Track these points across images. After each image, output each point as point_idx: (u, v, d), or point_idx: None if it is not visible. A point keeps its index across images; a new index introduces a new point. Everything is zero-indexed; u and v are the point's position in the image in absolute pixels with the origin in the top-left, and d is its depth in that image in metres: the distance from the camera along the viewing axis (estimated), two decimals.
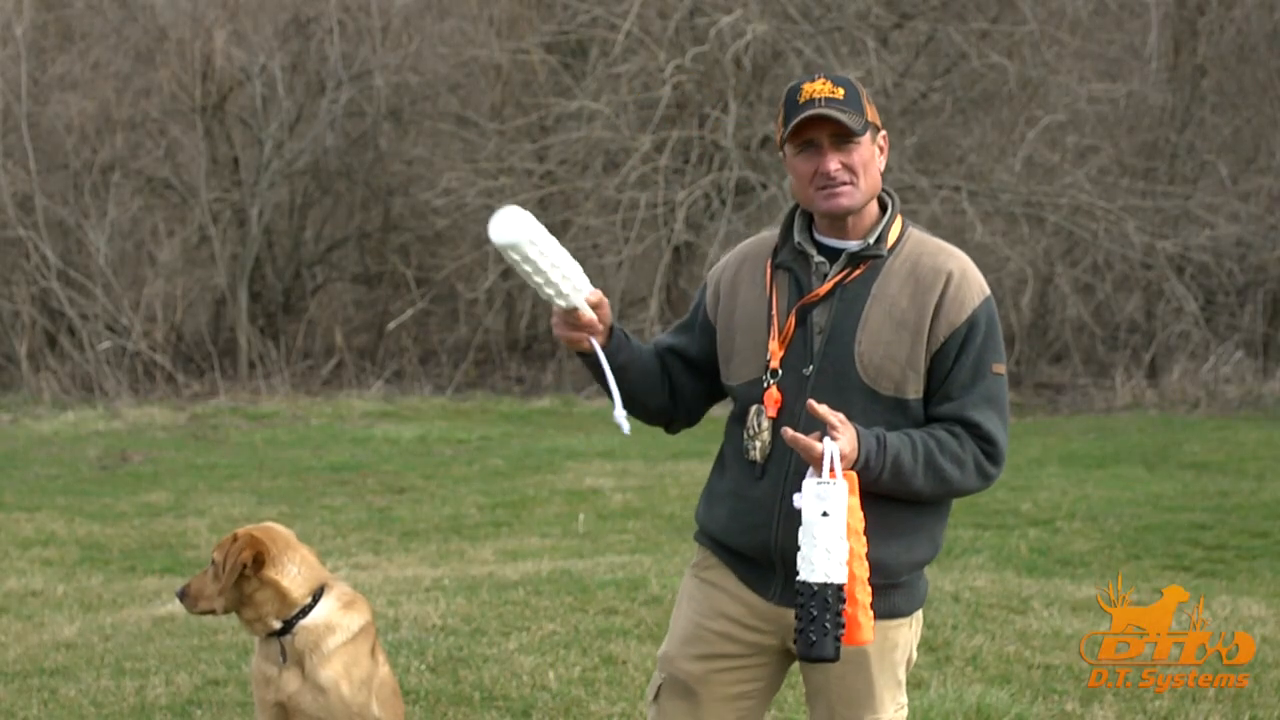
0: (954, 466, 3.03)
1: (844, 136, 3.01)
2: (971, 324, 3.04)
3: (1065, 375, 17.89)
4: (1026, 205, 17.21)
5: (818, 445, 2.87)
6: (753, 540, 3.10)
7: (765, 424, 3.06)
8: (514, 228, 2.92)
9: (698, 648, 3.18)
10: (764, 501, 3.08)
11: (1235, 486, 10.29)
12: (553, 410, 16.14)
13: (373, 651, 3.77)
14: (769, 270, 3.14)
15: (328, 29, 18.31)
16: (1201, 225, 17.48)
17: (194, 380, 17.51)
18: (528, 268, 2.96)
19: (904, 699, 3.22)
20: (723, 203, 16.89)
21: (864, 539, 2.88)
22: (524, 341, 19.04)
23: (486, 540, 9.09)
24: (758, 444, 3.07)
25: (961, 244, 18.27)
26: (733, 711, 3.18)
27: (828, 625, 2.82)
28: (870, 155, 3.06)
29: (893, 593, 3.08)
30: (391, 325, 18.21)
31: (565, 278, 2.99)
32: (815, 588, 2.82)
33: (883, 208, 3.14)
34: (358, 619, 3.72)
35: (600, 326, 3.08)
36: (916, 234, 3.14)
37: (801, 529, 2.85)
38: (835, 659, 2.85)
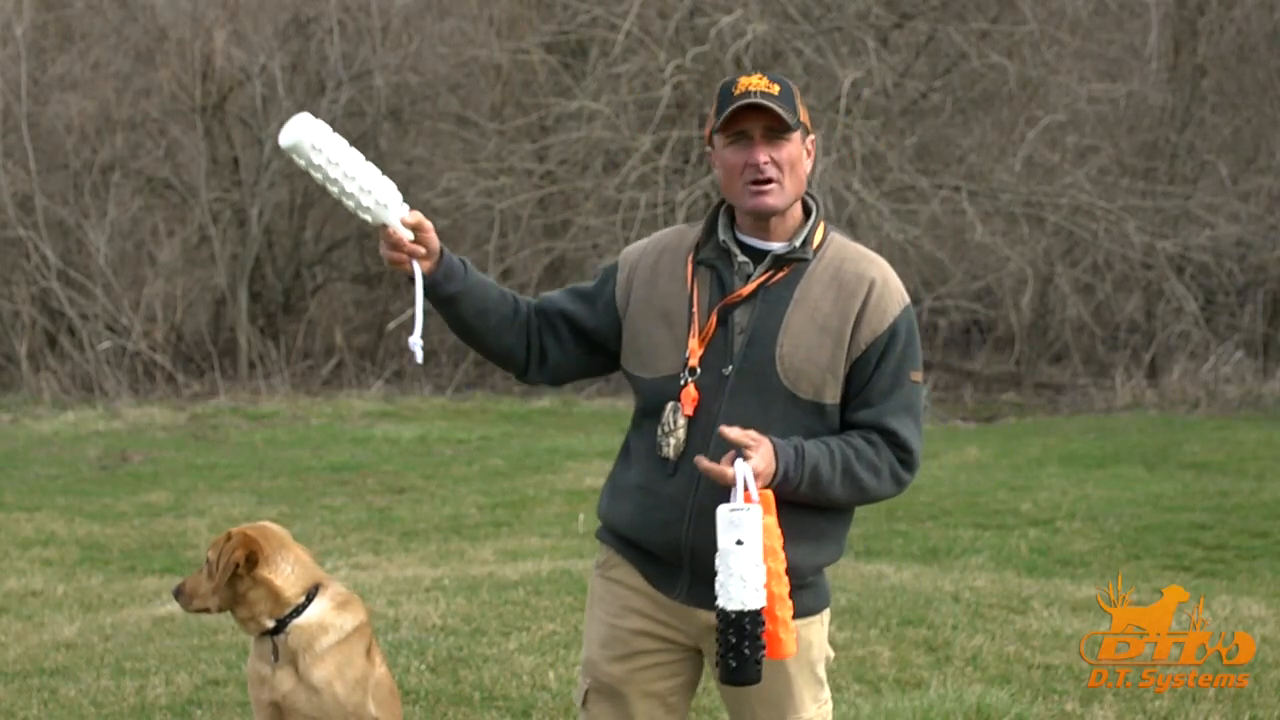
0: (870, 475, 3.06)
1: (776, 130, 3.02)
2: (893, 332, 3.05)
3: (1065, 375, 17.90)
4: (1026, 205, 17.21)
5: (729, 471, 2.88)
6: (662, 538, 3.09)
7: (681, 421, 3.05)
8: (297, 131, 2.89)
9: (616, 649, 3.18)
10: (675, 499, 3.06)
11: (1235, 486, 10.29)
12: (553, 410, 16.14)
13: (368, 652, 3.77)
14: (690, 265, 3.13)
15: (328, 29, 18.32)
16: (1201, 225, 17.48)
17: (194, 380, 17.52)
18: (318, 175, 2.92)
19: (826, 694, 3.23)
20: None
21: (782, 555, 2.89)
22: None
23: (486, 540, 9.09)
24: (672, 441, 3.06)
25: (961, 244, 18.40)
26: (660, 706, 3.19)
27: (746, 651, 2.85)
28: (799, 155, 3.06)
29: (802, 593, 3.09)
30: (391, 325, 18.20)
31: (365, 190, 2.94)
32: (733, 615, 2.84)
33: (806, 211, 3.14)
34: (351, 619, 3.72)
35: (421, 250, 3.02)
36: (838, 239, 3.15)
37: (718, 556, 2.86)
38: (757, 682, 2.88)
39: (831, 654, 3.28)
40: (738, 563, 2.83)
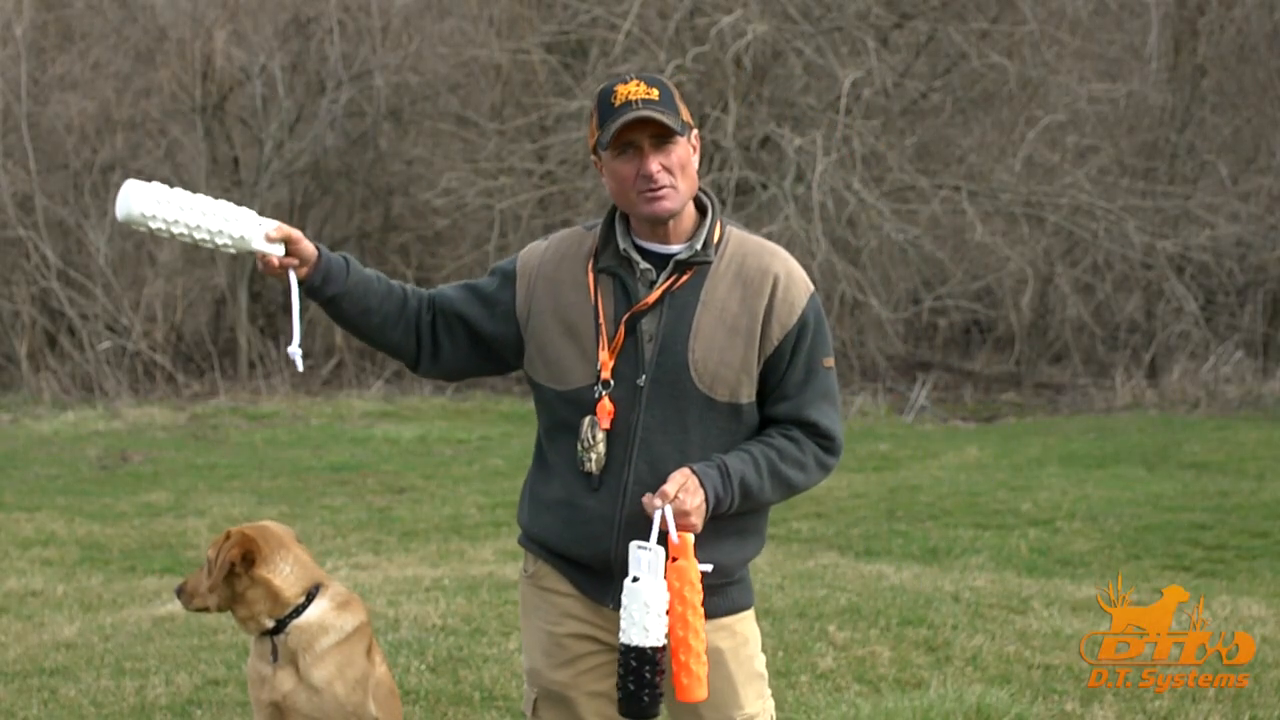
0: (797, 471, 3.06)
1: (663, 137, 2.99)
2: (802, 324, 3.05)
3: (1065, 375, 17.90)
4: (1026, 205, 17.21)
5: (654, 504, 2.90)
6: (592, 550, 3.08)
7: (600, 436, 3.03)
8: (128, 203, 2.89)
9: (558, 656, 3.18)
10: (601, 513, 3.05)
11: (1235, 486, 10.29)
12: None
13: (369, 652, 3.77)
14: (591, 275, 3.09)
15: (328, 29, 18.32)
16: (1201, 225, 17.48)
17: (194, 380, 17.52)
18: (165, 234, 2.93)
19: (768, 690, 3.23)
20: (723, 202, 16.88)
21: (698, 599, 2.89)
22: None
23: (486, 540, 9.09)
24: (593, 456, 3.04)
25: (961, 244, 18.38)
26: (608, 703, 3.18)
27: (632, 687, 2.89)
28: (688, 155, 3.03)
29: (731, 589, 3.10)
30: None
31: (217, 231, 2.94)
32: (622, 648, 2.89)
33: (701, 209, 3.12)
34: (352, 619, 3.72)
35: (295, 262, 3.02)
36: (736, 233, 3.12)
37: (624, 590, 2.89)
38: (654, 716, 2.91)
39: (764, 655, 3.27)
40: (630, 598, 2.87)
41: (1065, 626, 6.11)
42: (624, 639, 2.88)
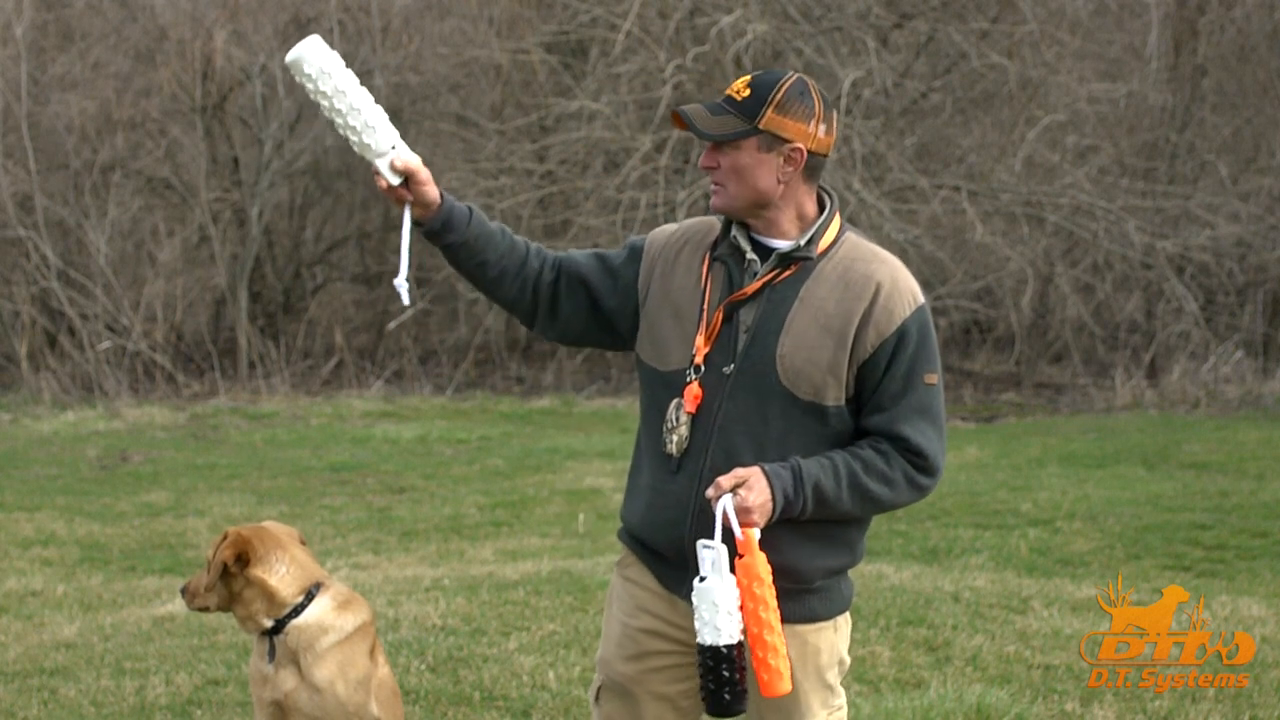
0: (882, 485, 3.01)
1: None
2: (902, 334, 3.01)
3: (1065, 375, 17.90)
4: (1026, 205, 17.21)
5: (714, 503, 2.90)
6: (668, 536, 3.09)
7: (684, 419, 3.04)
8: (308, 51, 2.94)
9: (628, 649, 3.18)
10: (679, 497, 3.06)
11: (1235, 486, 10.29)
12: (553, 410, 16.14)
13: (371, 652, 3.77)
14: (706, 262, 3.12)
15: (328, 29, 18.30)
16: (1201, 225, 17.48)
17: (194, 380, 17.51)
18: (323, 102, 2.97)
19: (839, 700, 3.20)
20: None
21: (769, 593, 2.88)
22: (524, 341, 19.04)
23: (486, 540, 9.09)
24: (675, 438, 3.05)
25: (961, 244, 18.39)
26: (671, 709, 3.18)
27: (712, 685, 2.89)
28: (749, 163, 3.01)
29: (808, 597, 3.07)
30: (391, 325, 18.20)
31: (369, 126, 2.99)
32: (699, 648, 2.89)
33: (821, 207, 3.12)
34: (352, 619, 3.72)
35: (408, 196, 3.05)
36: (852, 238, 3.11)
37: (694, 590, 2.90)
38: (732, 715, 2.92)
39: (847, 660, 3.25)
40: (699, 598, 2.87)
41: (1065, 626, 6.11)
42: (699, 639, 2.88)
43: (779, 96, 3.02)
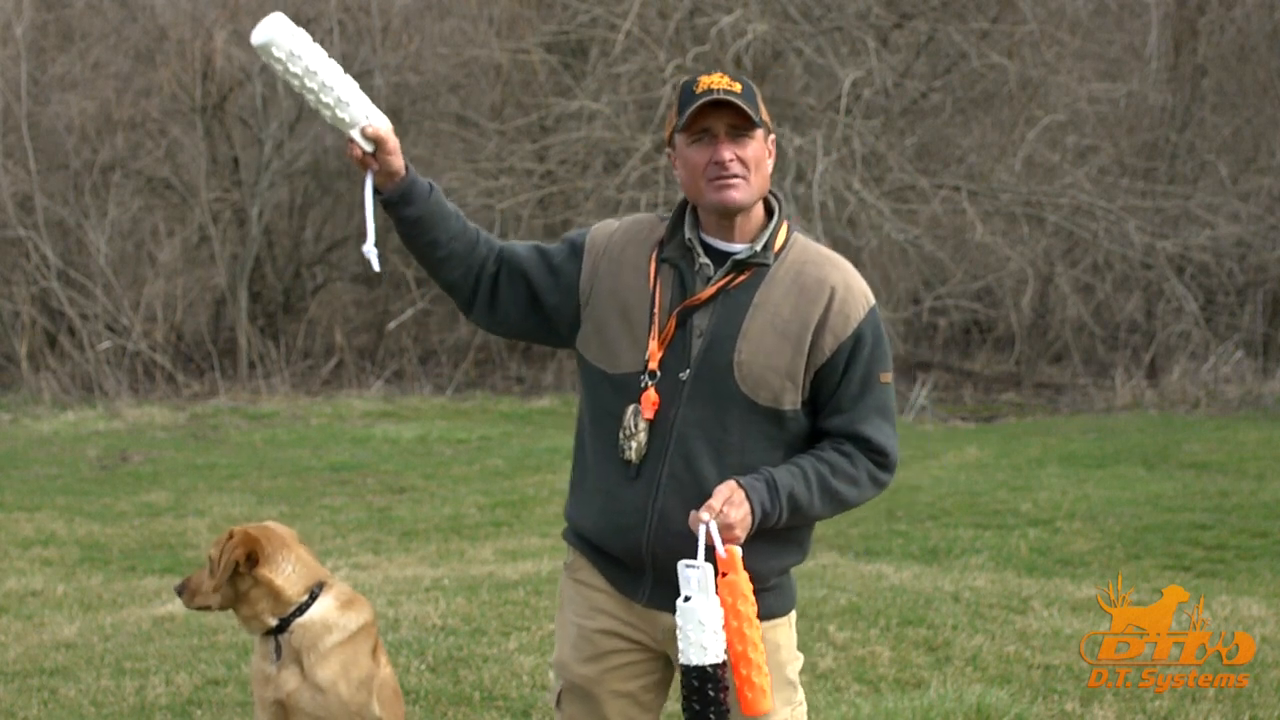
0: (849, 486, 3.05)
1: (740, 129, 3.01)
2: (858, 337, 3.03)
3: (1065, 375, 17.90)
4: (1026, 205, 17.21)
5: (701, 517, 2.89)
6: (624, 542, 3.08)
7: (642, 425, 3.03)
8: (276, 33, 2.92)
9: (585, 650, 3.18)
10: (637, 503, 3.05)
11: (1235, 486, 10.29)
12: (553, 410, 16.14)
13: (374, 652, 3.77)
14: (654, 263, 3.11)
15: (328, 29, 18.31)
16: (1201, 225, 17.48)
17: (194, 380, 17.51)
18: (293, 82, 2.96)
19: (799, 696, 3.22)
20: None
21: (753, 612, 2.88)
22: (524, 341, 19.06)
23: (486, 540, 9.09)
24: (634, 445, 3.04)
25: (961, 244, 18.37)
26: (634, 705, 3.19)
27: (697, 706, 2.87)
28: (762, 154, 3.05)
29: (764, 595, 3.07)
30: (391, 325, 18.21)
31: (343, 102, 2.98)
32: (684, 668, 2.88)
33: (769, 212, 3.12)
34: (355, 619, 3.73)
35: (375, 164, 3.04)
36: (801, 241, 3.13)
37: (678, 609, 2.89)
38: None
39: (800, 658, 3.27)
40: (684, 618, 2.86)
41: (1065, 626, 6.11)
42: (683, 659, 2.87)
43: (756, 89, 3.07)
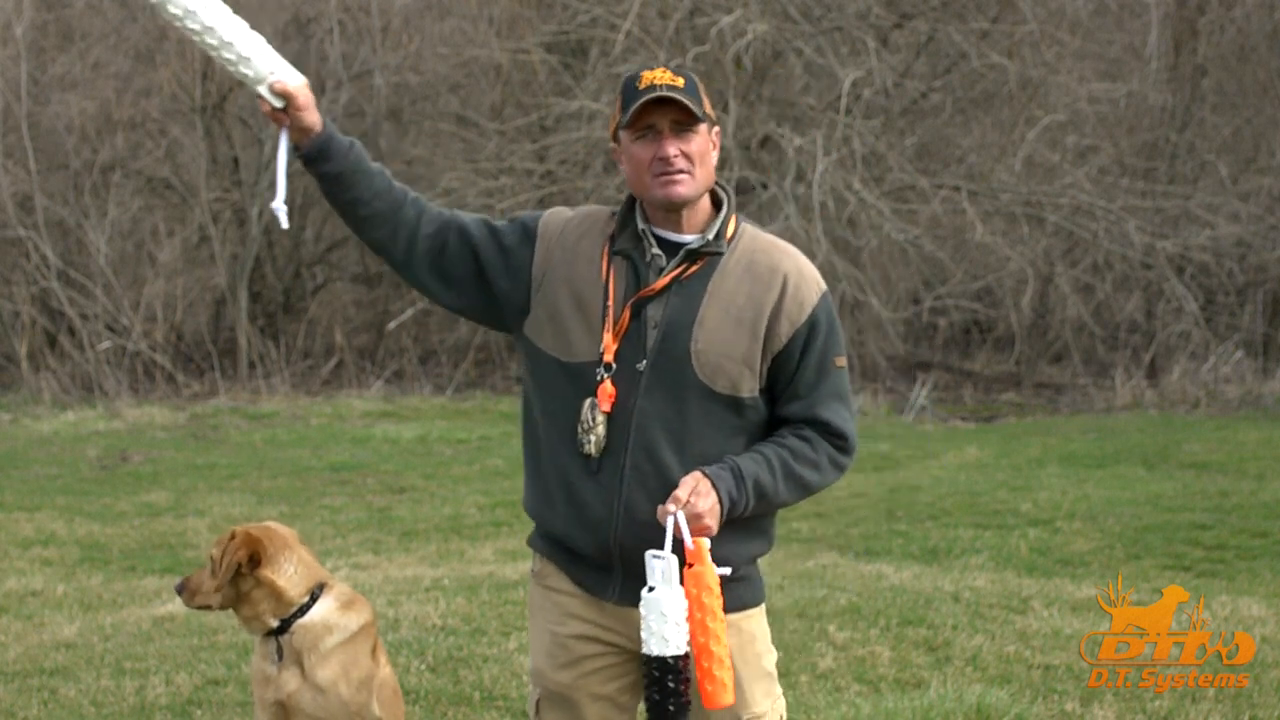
0: (811, 470, 3.07)
1: (684, 124, 3.01)
2: (813, 323, 3.05)
3: (1065, 375, 17.90)
4: (1026, 205, 17.21)
5: (668, 510, 2.90)
6: (592, 538, 3.08)
7: (600, 418, 3.03)
8: None
9: (560, 657, 3.17)
10: (601, 497, 3.05)
11: (1235, 486, 10.29)
12: None
13: (374, 652, 3.77)
14: (606, 255, 3.11)
15: (328, 29, 18.31)
16: (1201, 225, 17.48)
17: (194, 380, 17.52)
18: (194, 39, 2.96)
19: (778, 690, 3.21)
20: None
21: (718, 605, 2.88)
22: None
23: (486, 540, 9.09)
24: (593, 438, 3.04)
25: (961, 244, 18.37)
26: (612, 706, 3.18)
27: (656, 696, 2.87)
28: (707, 147, 3.05)
29: (736, 586, 3.08)
30: (391, 325, 18.21)
31: (244, 57, 2.97)
32: (644, 658, 2.88)
33: (716, 203, 3.14)
34: (356, 619, 3.72)
35: (285, 120, 3.04)
36: (750, 230, 3.14)
37: (642, 600, 2.89)
38: None
39: (775, 650, 3.25)
40: (647, 608, 2.86)
41: (1065, 626, 6.11)
42: (645, 650, 2.87)
43: (699, 82, 3.08)
